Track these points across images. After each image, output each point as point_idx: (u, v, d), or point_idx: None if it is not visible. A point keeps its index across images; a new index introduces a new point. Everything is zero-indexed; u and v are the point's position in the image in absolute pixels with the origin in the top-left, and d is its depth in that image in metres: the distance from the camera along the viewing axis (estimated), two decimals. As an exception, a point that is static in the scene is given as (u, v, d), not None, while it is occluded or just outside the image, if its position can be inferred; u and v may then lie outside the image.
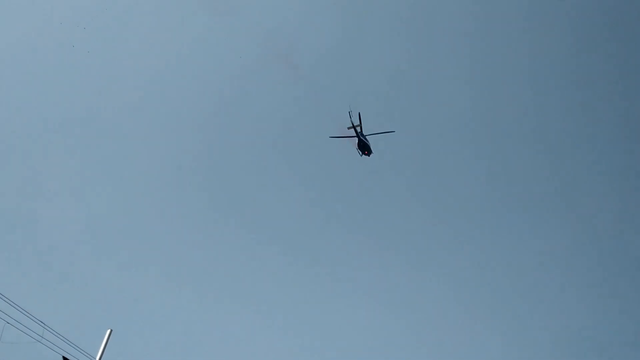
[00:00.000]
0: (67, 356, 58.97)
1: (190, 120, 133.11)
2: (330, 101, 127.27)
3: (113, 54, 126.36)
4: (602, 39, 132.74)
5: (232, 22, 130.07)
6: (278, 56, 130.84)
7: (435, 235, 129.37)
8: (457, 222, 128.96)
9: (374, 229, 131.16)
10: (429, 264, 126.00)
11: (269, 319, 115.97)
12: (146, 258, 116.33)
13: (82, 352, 60.06)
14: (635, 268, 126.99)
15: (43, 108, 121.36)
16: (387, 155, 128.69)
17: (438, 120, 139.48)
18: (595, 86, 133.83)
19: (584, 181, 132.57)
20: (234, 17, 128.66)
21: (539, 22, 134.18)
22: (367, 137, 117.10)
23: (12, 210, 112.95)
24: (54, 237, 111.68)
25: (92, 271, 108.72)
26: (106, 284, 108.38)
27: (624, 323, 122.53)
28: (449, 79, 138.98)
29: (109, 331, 68.35)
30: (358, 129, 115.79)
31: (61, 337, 57.11)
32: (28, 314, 54.47)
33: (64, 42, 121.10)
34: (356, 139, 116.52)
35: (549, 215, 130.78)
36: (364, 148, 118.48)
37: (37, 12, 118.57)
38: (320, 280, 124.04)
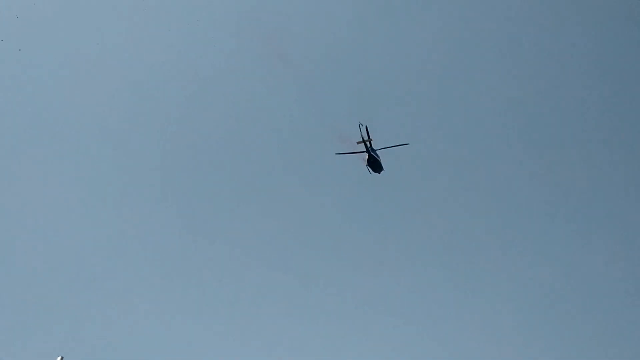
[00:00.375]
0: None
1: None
2: (334, 110, 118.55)
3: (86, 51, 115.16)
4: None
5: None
6: (272, 54, 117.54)
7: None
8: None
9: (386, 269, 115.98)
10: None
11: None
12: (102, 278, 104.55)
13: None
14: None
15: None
16: (400, 171, 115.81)
17: (459, 129, 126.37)
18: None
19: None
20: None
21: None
22: (377, 152, 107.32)
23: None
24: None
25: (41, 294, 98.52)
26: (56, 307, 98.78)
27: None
28: (474, 81, 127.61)
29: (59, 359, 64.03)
30: (368, 143, 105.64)
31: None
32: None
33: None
34: (366, 155, 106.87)
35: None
36: (375, 165, 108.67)
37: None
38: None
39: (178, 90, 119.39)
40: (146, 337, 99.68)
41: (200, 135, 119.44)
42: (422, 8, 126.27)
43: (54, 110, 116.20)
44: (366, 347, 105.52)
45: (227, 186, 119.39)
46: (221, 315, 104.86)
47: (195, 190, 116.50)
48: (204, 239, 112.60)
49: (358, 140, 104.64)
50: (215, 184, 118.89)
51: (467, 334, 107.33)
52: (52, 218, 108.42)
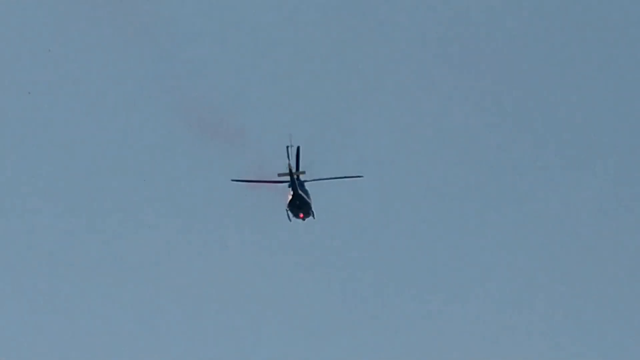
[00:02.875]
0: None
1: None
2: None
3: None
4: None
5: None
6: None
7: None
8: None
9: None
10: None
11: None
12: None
13: None
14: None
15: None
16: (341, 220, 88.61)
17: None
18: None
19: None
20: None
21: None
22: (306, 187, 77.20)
23: None
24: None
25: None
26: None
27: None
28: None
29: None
30: (296, 176, 73.78)
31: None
32: None
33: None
34: (289, 190, 75.10)
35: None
36: (302, 207, 76.13)
37: None
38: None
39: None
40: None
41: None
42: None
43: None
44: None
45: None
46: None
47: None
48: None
49: (281, 172, 71.52)
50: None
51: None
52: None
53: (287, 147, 70.78)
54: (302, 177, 73.58)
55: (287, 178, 72.35)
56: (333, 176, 75.23)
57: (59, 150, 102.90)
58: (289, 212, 74.85)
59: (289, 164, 71.02)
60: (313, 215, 76.72)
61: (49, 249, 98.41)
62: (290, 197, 73.79)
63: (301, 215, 75.75)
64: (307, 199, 74.70)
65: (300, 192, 73.21)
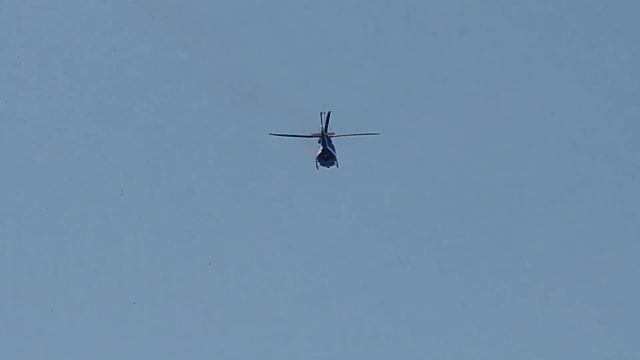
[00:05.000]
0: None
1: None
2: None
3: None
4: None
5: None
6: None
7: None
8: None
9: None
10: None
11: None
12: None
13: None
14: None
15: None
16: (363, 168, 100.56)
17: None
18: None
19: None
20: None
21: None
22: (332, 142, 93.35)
23: None
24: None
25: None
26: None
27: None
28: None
29: None
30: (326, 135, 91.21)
31: None
32: None
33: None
34: (319, 146, 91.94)
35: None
36: (328, 159, 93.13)
37: None
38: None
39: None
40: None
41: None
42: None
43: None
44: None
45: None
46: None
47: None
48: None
49: (315, 132, 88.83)
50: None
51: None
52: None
53: (321, 113, 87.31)
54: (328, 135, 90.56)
55: (319, 136, 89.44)
56: (353, 133, 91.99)
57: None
58: (318, 162, 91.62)
59: (321, 127, 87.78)
60: (337, 165, 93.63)
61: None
62: (320, 151, 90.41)
63: (327, 164, 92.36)
64: (333, 152, 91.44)
65: (328, 147, 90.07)
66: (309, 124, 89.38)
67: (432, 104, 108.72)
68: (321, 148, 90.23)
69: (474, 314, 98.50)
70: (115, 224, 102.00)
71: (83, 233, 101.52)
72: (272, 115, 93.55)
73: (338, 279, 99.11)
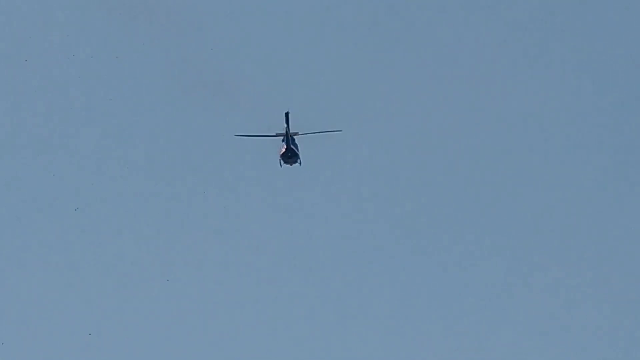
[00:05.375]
0: None
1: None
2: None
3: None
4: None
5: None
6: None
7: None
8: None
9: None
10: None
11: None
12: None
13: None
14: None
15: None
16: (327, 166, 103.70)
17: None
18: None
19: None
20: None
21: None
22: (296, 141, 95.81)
23: None
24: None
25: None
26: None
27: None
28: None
29: None
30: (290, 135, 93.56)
31: None
32: None
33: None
34: (282, 145, 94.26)
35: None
36: (292, 157, 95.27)
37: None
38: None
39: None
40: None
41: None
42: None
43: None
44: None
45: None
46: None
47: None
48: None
49: (278, 132, 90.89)
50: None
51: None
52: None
53: (286, 112, 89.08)
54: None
55: (283, 135, 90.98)
56: (315, 131, 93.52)
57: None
58: (281, 161, 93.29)
59: (285, 127, 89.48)
60: (300, 163, 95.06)
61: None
62: (283, 149, 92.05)
63: (290, 162, 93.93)
64: (297, 151, 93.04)
65: (291, 146, 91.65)
66: (274, 123, 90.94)
67: (396, 101, 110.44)
68: (285, 147, 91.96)
69: (437, 318, 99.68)
70: (66, 225, 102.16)
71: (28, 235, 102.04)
72: (237, 113, 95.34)
73: (302, 276, 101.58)
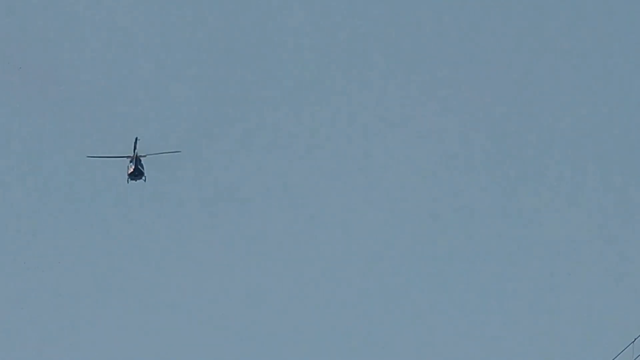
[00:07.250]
0: None
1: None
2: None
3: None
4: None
5: None
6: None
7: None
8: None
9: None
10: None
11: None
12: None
13: None
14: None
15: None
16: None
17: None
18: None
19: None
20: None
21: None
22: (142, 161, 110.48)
23: None
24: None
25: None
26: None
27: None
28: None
29: None
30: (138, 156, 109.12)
31: None
32: None
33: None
34: (130, 165, 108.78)
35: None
36: (138, 175, 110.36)
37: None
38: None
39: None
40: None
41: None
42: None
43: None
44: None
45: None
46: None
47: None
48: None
49: (128, 155, 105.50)
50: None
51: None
52: None
53: (136, 137, 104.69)
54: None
55: (132, 156, 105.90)
56: (159, 152, 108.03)
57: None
58: (129, 178, 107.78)
59: (135, 151, 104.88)
60: (145, 179, 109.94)
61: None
62: (131, 169, 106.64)
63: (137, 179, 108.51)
64: (142, 170, 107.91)
65: (139, 166, 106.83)
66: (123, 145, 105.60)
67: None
68: (133, 167, 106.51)
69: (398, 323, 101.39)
70: None
71: None
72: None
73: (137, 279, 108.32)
